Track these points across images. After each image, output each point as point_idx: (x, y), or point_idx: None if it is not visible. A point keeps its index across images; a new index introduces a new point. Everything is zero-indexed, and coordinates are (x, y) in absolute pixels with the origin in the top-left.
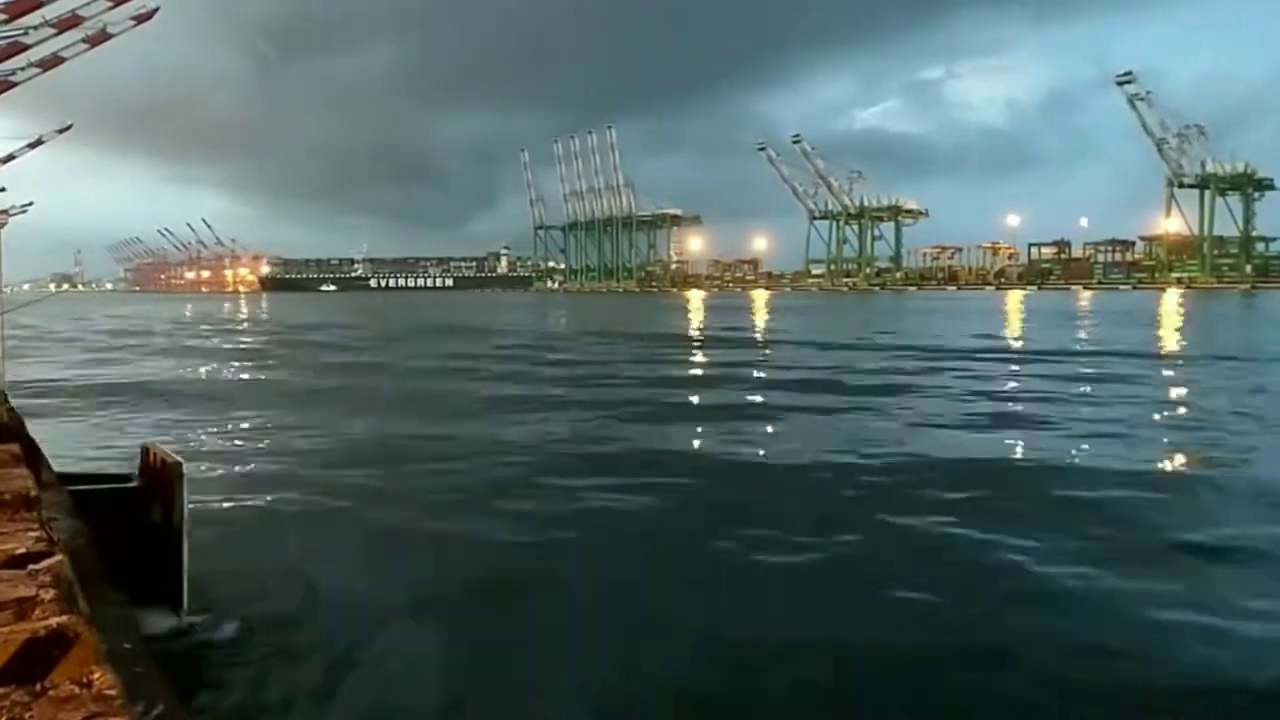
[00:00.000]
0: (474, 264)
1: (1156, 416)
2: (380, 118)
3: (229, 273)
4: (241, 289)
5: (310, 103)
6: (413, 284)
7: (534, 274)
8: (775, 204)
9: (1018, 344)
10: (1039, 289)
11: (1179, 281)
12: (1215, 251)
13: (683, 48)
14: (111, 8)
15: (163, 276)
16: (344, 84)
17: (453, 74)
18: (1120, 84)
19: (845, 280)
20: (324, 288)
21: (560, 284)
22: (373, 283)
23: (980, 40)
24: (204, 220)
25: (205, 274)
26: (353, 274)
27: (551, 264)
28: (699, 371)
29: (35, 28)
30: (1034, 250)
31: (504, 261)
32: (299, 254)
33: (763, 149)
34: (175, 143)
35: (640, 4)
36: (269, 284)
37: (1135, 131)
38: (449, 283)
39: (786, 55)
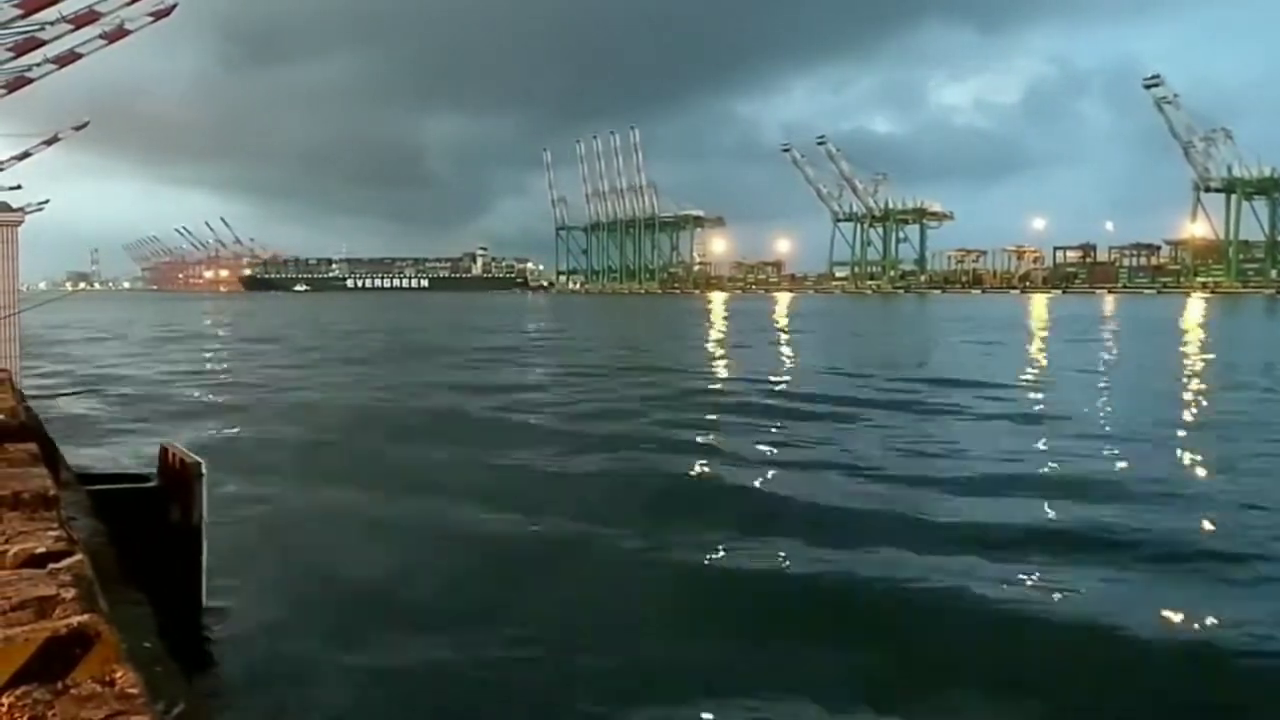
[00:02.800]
0: (448, 264)
1: None
2: (368, 120)
3: (247, 271)
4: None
5: (300, 106)
6: (388, 284)
7: (510, 274)
8: (763, 206)
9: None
10: (1064, 293)
11: (1204, 286)
12: (1241, 256)
13: (663, 51)
14: (129, 3)
15: (180, 276)
16: (335, 87)
17: (446, 76)
18: (1147, 87)
19: (869, 283)
20: (297, 288)
21: (582, 285)
22: (349, 283)
23: (972, 43)
24: (222, 219)
25: (224, 273)
26: (330, 274)
27: (532, 264)
28: None
29: (52, 23)
30: (1059, 254)
31: (479, 263)
32: (293, 254)
33: (787, 150)
34: (169, 144)
35: (622, 7)
36: (247, 283)
37: (1132, 134)
38: (424, 283)
39: (770, 58)
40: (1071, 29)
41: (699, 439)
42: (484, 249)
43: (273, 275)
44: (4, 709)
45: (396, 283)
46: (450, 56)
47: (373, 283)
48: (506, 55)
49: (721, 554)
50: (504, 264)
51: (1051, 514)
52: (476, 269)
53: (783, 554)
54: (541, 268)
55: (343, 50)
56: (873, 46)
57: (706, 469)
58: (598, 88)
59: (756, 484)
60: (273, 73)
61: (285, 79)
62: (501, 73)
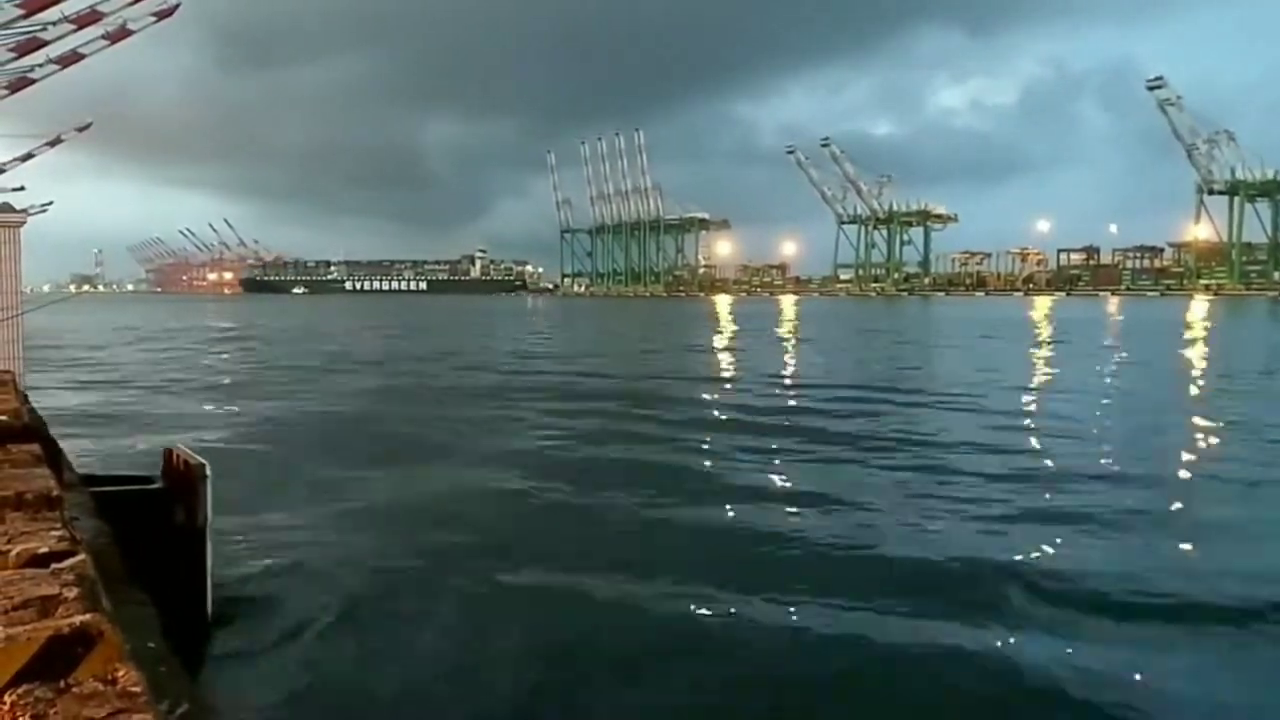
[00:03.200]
0: (446, 267)
1: None
2: (369, 122)
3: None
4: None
5: (301, 108)
6: (387, 286)
7: (509, 277)
8: (767, 209)
9: None
10: (1067, 295)
11: (1207, 288)
12: (1244, 258)
13: (662, 52)
14: (131, 3)
15: (185, 277)
16: (336, 89)
17: (447, 78)
18: (1150, 89)
19: (874, 285)
20: (295, 290)
21: (587, 288)
22: (348, 285)
23: (968, 46)
24: (226, 220)
25: (227, 275)
26: (328, 276)
27: (531, 267)
28: None
29: (54, 24)
30: (1062, 256)
31: (478, 265)
32: (295, 255)
33: (791, 152)
34: (171, 146)
35: (622, 9)
36: (246, 286)
37: (1134, 136)
38: (423, 285)
39: (767, 60)
40: (1068, 30)
41: None
42: (483, 251)
43: (271, 278)
44: (6, 707)
45: (395, 285)
46: (451, 58)
47: (371, 285)
48: (507, 57)
49: None
50: (503, 266)
51: None
52: (475, 271)
53: None
54: (542, 270)
55: (344, 52)
56: (870, 49)
57: None
58: (597, 90)
59: None
60: (274, 74)
61: (286, 80)
62: (502, 75)
